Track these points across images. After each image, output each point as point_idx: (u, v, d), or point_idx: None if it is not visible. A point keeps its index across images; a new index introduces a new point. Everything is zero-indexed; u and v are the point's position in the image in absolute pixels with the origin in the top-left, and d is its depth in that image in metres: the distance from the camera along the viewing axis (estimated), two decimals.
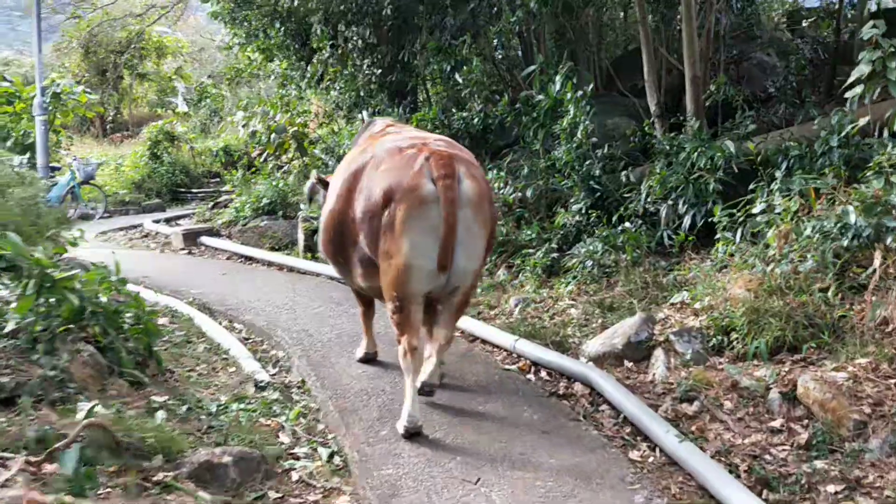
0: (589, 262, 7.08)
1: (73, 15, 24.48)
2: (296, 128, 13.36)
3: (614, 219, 7.59)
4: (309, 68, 12.33)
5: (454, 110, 10.42)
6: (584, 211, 7.92)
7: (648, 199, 7.51)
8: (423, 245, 4.13)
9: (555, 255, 7.64)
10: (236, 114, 13.89)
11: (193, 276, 8.63)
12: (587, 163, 8.01)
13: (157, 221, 13.38)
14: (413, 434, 4.26)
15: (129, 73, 27.45)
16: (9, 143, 15.81)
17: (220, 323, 6.86)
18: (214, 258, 10.30)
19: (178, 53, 29.95)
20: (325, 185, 5.35)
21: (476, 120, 10.10)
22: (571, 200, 8.12)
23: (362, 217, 4.40)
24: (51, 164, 14.73)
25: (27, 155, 15.19)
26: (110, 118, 27.20)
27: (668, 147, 7.74)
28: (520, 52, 11.57)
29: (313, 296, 7.48)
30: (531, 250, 7.84)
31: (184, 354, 5.81)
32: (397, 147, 4.45)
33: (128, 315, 5.17)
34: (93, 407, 3.96)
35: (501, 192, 8.62)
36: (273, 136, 12.98)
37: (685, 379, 4.77)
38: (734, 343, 5.09)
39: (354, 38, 11.24)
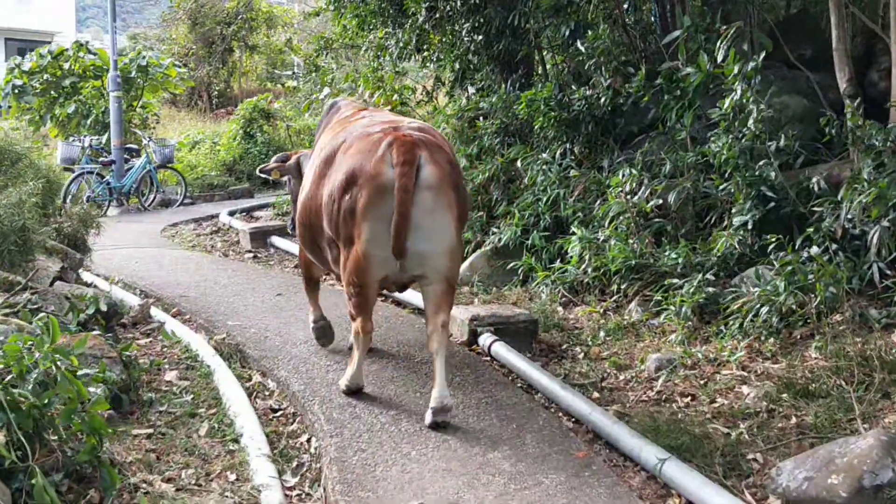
0: (764, 309, 4.94)
1: None
2: (391, 106, 11.49)
3: (798, 241, 5.42)
4: (402, 35, 10.42)
5: (574, 87, 8.28)
6: (750, 227, 5.76)
7: (849, 217, 5.28)
8: (381, 233, 4.12)
9: (710, 288, 5.53)
10: (322, 90, 12.16)
11: (242, 297, 6.92)
12: (762, 161, 5.80)
13: (232, 213, 11.81)
14: (353, 391, 4.53)
15: (238, 45, 26.35)
16: (89, 121, 14.65)
17: (250, 378, 5.11)
18: (280, 265, 8.60)
19: (288, 24, 28.75)
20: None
21: (603, 99, 7.89)
22: (733, 211, 5.95)
23: (326, 202, 4.43)
24: (128, 146, 13.40)
25: (105, 135, 13.99)
26: (216, 93, 26.17)
27: (877, 142, 5.47)
28: (653, 17, 9.26)
29: (377, 336, 5.54)
30: (676, 280, 5.74)
31: (173, 446, 4.03)
32: (367, 132, 4.42)
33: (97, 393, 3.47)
34: None
35: (635, 196, 6.50)
36: None
37: None
38: None
39: None
